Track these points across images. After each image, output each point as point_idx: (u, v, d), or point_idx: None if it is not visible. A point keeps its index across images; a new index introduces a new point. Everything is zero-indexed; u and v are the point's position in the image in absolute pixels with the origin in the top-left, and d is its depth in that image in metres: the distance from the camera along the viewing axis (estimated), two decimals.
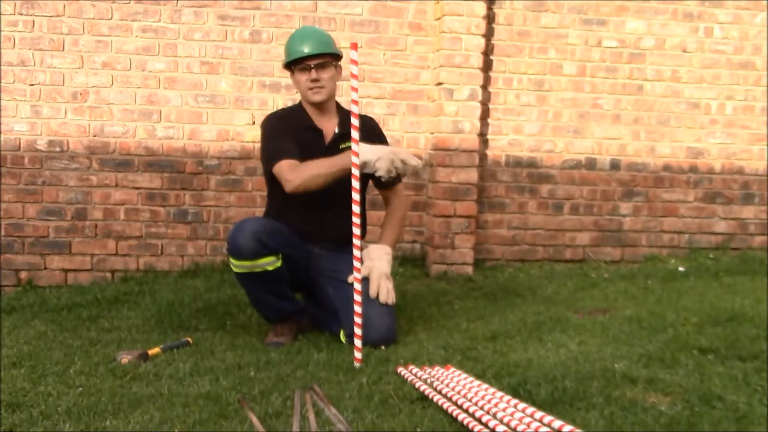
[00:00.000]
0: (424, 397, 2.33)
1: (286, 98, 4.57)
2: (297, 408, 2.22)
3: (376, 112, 4.66)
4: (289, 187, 3.00)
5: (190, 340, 3.12)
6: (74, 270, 4.50)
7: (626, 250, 5.04)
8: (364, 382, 2.48)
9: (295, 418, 2.13)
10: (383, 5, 4.67)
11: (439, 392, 2.32)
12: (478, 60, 4.61)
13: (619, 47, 4.93)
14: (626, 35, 4.93)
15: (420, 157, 4.74)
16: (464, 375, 2.49)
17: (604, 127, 4.96)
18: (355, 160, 2.74)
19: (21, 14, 4.37)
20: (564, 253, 4.97)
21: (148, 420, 2.14)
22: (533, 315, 3.47)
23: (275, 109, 3.51)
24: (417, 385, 2.42)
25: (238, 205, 4.60)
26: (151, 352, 2.90)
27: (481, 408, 2.13)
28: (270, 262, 2.99)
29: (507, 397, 2.22)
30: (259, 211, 3.74)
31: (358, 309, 2.75)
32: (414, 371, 2.57)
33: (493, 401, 2.18)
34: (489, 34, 4.73)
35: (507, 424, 2.00)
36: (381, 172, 2.85)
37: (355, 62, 2.70)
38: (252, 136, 4.58)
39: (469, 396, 2.24)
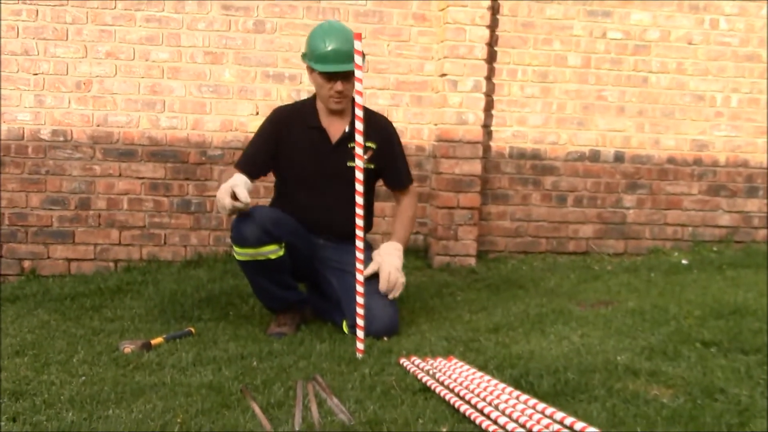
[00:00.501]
0: (426, 388, 2.33)
1: (290, 89, 4.57)
2: (299, 398, 2.22)
3: (380, 103, 4.66)
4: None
5: (192, 330, 3.13)
6: (77, 259, 4.51)
7: (629, 242, 5.04)
8: (367, 372, 2.49)
9: (298, 409, 2.13)
10: None
11: (442, 383, 2.32)
12: (482, 51, 4.60)
13: (624, 39, 4.91)
14: (631, 27, 4.91)
15: (423, 149, 4.75)
16: (466, 366, 2.49)
17: (609, 119, 4.94)
18: (358, 150, 2.72)
19: (25, 3, 4.36)
20: (567, 246, 4.97)
21: (150, 409, 2.15)
22: (536, 307, 3.47)
23: (285, 103, 3.46)
24: (419, 376, 2.42)
25: None
26: (153, 341, 2.91)
27: (483, 399, 2.13)
28: (273, 251, 3.00)
29: (509, 389, 2.22)
30: (262, 202, 3.73)
31: (360, 300, 2.75)
32: (416, 362, 2.57)
33: (495, 393, 2.18)
34: (493, 25, 4.71)
35: (509, 416, 2.00)
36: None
37: (359, 52, 2.70)
38: (255, 127, 4.55)
39: (471, 387, 2.24)
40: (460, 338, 2.97)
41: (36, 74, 4.41)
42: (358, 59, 2.69)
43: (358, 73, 2.70)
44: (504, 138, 4.85)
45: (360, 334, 2.76)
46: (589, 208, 4.97)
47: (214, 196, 4.51)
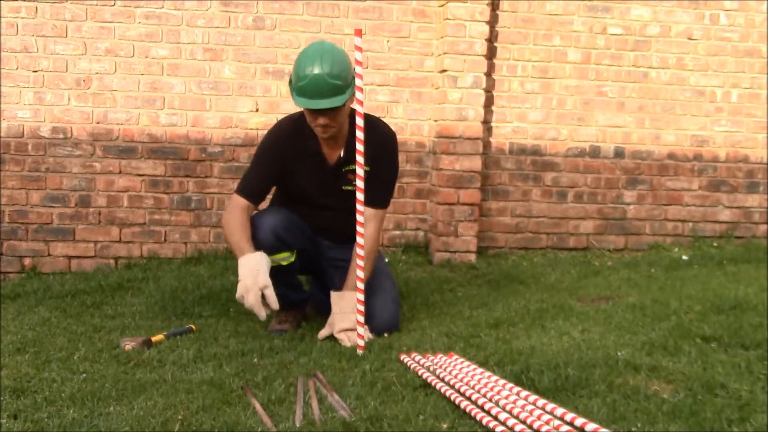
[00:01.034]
0: (426, 385, 2.33)
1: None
2: (300, 395, 2.22)
3: (379, 99, 4.66)
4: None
5: (193, 326, 3.13)
6: (78, 257, 4.51)
7: (630, 238, 5.04)
8: (367, 369, 2.49)
9: (298, 405, 2.14)
10: None
11: (442, 379, 2.32)
12: (482, 47, 4.59)
13: (624, 34, 4.90)
14: (631, 22, 4.90)
15: (423, 145, 4.75)
16: (467, 362, 2.49)
17: (609, 115, 4.94)
18: (359, 147, 2.72)
19: (24, 0, 4.35)
20: (567, 241, 4.97)
21: (151, 406, 2.15)
22: (536, 303, 3.47)
23: (283, 98, 3.27)
24: (420, 373, 2.42)
25: None
26: (154, 338, 2.91)
27: (484, 395, 2.14)
28: (285, 258, 3.00)
29: (509, 385, 2.23)
30: None
31: (361, 297, 2.75)
32: (417, 358, 2.57)
33: (496, 389, 2.18)
34: (493, 21, 4.71)
35: (509, 412, 2.00)
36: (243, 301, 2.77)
37: (359, 48, 2.69)
38: (255, 123, 4.58)
39: (471, 383, 2.24)
40: (461, 334, 2.97)
41: (35, 71, 4.40)
42: (358, 55, 2.68)
43: (358, 69, 2.70)
44: (504, 134, 4.85)
45: (361, 330, 2.76)
46: (589, 203, 4.97)
47: (215, 192, 4.57)
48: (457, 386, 2.24)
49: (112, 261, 4.54)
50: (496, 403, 2.07)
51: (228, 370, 2.51)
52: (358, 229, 2.76)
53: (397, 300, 3.16)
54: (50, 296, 3.83)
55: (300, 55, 2.87)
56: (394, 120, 4.70)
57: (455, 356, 2.58)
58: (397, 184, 4.65)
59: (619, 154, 4.97)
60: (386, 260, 4.45)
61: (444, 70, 4.59)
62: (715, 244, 5.00)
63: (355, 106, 2.72)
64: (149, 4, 4.45)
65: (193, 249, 4.60)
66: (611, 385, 2.25)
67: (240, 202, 2.99)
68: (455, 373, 2.35)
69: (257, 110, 4.57)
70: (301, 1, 4.57)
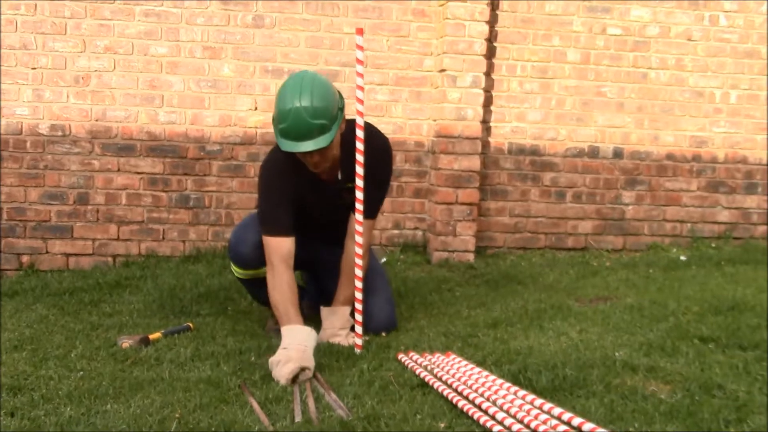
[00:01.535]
0: (424, 384, 2.33)
1: None
2: (297, 394, 2.22)
3: (378, 98, 4.66)
4: (265, 266, 2.78)
5: (191, 325, 3.13)
6: (76, 254, 4.51)
7: (628, 238, 5.04)
8: (365, 368, 2.49)
9: (296, 404, 2.13)
10: None
11: (440, 379, 2.32)
12: (481, 47, 4.59)
13: (623, 35, 4.90)
14: (631, 23, 4.90)
15: (422, 144, 4.75)
16: (465, 362, 2.49)
17: (608, 116, 4.94)
18: (359, 146, 2.72)
19: None
20: (566, 242, 4.97)
21: (149, 404, 2.15)
22: (534, 303, 3.47)
23: (274, 146, 2.86)
24: (417, 372, 2.42)
25: (240, 190, 4.60)
26: (152, 336, 2.91)
27: (482, 395, 2.13)
28: None
29: (507, 384, 2.22)
30: None
31: (359, 295, 2.75)
32: (414, 358, 2.57)
33: (494, 388, 2.18)
34: (493, 21, 4.71)
35: (507, 411, 2.00)
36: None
37: (360, 48, 2.69)
38: (254, 122, 4.57)
39: (469, 383, 2.24)
40: (459, 334, 2.97)
41: (34, 68, 4.40)
42: (359, 54, 2.67)
43: (358, 68, 2.69)
44: (503, 134, 4.85)
45: (358, 329, 2.75)
46: (588, 204, 4.97)
47: (213, 191, 4.57)
48: (454, 386, 2.23)
49: (110, 259, 4.54)
50: (494, 403, 2.07)
51: (225, 368, 2.51)
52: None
53: (392, 299, 3.16)
54: (48, 294, 3.83)
55: (279, 90, 2.68)
56: (393, 119, 4.70)
57: (453, 356, 2.58)
58: (396, 184, 4.71)
59: (617, 154, 4.97)
60: (384, 260, 4.47)
61: (443, 70, 4.59)
62: (713, 245, 5.00)
63: (355, 105, 2.71)
64: (149, 2, 4.44)
65: (192, 247, 4.59)
66: (609, 385, 2.25)
67: (278, 245, 2.73)
68: (453, 373, 2.35)
69: (256, 108, 4.57)
70: (301, 0, 4.57)
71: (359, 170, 2.69)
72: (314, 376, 2.39)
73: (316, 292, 3.30)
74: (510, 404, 2.04)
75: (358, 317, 2.76)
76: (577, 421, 1.89)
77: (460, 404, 2.10)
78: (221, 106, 4.56)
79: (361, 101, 2.70)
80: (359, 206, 2.70)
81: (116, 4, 4.43)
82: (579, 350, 2.65)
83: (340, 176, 2.87)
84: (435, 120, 4.70)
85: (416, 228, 4.83)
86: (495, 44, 4.77)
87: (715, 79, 5.02)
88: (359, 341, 2.75)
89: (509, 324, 3.11)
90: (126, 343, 2.81)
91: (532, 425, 1.90)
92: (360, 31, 2.69)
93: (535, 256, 4.83)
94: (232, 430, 1.96)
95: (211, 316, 3.34)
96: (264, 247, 2.77)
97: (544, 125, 4.88)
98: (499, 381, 2.26)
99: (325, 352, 2.71)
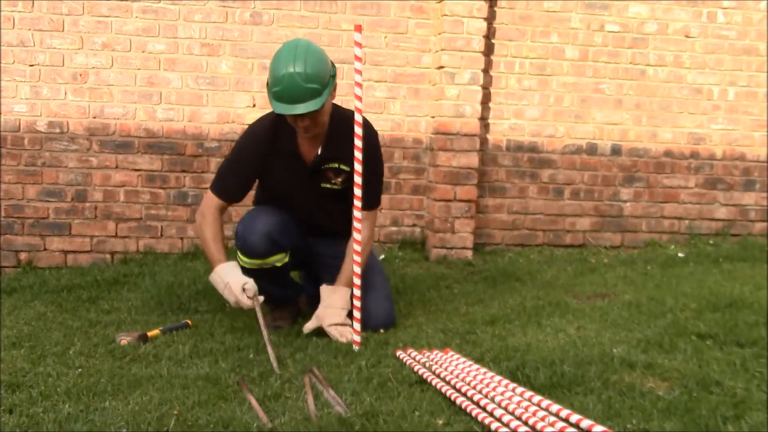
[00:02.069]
0: (422, 381, 2.33)
1: None
2: (269, 346, 2.24)
3: (377, 95, 4.66)
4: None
5: (189, 322, 3.13)
6: (74, 251, 4.51)
7: (626, 235, 5.04)
8: (363, 365, 2.49)
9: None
10: None
11: (438, 376, 2.33)
12: (479, 44, 4.59)
13: (621, 32, 4.90)
14: (629, 20, 4.90)
15: (420, 141, 4.75)
16: (463, 359, 2.49)
17: (606, 112, 4.94)
18: (357, 143, 2.72)
19: None
20: (564, 238, 4.97)
21: (147, 401, 2.15)
22: (532, 299, 3.48)
23: (266, 113, 3.05)
24: (416, 369, 2.42)
25: None
26: (150, 333, 2.91)
27: (480, 392, 2.14)
28: (279, 259, 2.99)
29: (505, 381, 2.23)
30: None
31: (357, 292, 2.75)
32: (413, 355, 2.58)
33: (492, 385, 2.18)
34: (491, 18, 4.70)
35: (505, 408, 2.01)
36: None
37: (359, 44, 2.69)
38: (252, 119, 4.54)
39: (467, 380, 2.24)
40: (457, 330, 2.98)
41: (32, 65, 4.39)
42: (357, 51, 2.68)
43: (357, 65, 2.69)
44: (501, 131, 4.85)
45: (356, 326, 2.76)
46: (586, 200, 4.97)
47: None
48: (453, 382, 2.24)
49: (108, 256, 4.54)
50: (492, 400, 2.07)
51: (224, 365, 2.51)
52: (354, 233, 2.75)
53: (390, 296, 3.16)
54: (46, 291, 3.83)
55: (274, 56, 2.78)
56: (391, 116, 4.70)
57: (451, 352, 2.59)
58: (394, 181, 4.71)
59: (616, 151, 4.97)
60: (382, 256, 4.47)
61: (441, 67, 4.58)
62: (711, 242, 5.01)
63: (354, 102, 2.72)
64: None
65: (190, 244, 4.59)
66: (607, 382, 2.26)
67: (214, 201, 3.00)
68: (451, 369, 2.35)
69: (254, 105, 4.57)
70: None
71: (357, 167, 2.71)
72: (313, 372, 2.40)
73: (314, 290, 3.30)
74: (508, 401, 2.04)
75: (357, 314, 2.76)
76: (575, 417, 1.90)
77: (458, 401, 2.10)
78: (219, 103, 4.56)
79: (359, 98, 2.70)
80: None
81: (114, 1, 4.42)
82: (577, 347, 2.65)
83: (320, 152, 2.96)
84: (433, 117, 4.70)
85: (414, 225, 4.83)
86: (493, 41, 4.76)
87: (713, 76, 5.03)
88: (357, 338, 2.75)
89: (507, 321, 3.11)
90: (124, 340, 2.81)
91: (530, 422, 1.90)
92: (358, 28, 2.70)
93: (533, 253, 4.83)
94: (231, 426, 1.96)
95: (210, 313, 3.35)
96: (203, 198, 3.07)
97: (543, 122, 4.88)
98: (497, 378, 2.26)
99: (323, 349, 2.72)
